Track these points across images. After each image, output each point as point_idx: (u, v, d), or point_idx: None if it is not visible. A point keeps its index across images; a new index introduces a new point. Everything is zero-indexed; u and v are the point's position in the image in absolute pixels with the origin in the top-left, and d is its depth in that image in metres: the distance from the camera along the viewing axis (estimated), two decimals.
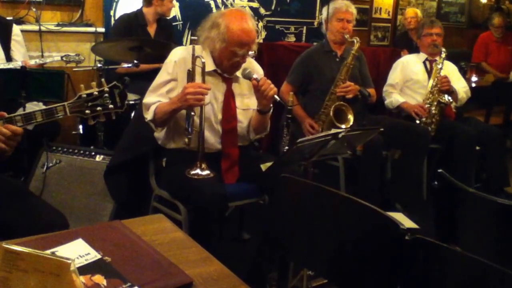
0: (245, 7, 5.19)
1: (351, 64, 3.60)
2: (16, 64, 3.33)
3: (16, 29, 3.56)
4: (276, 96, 2.41)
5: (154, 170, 2.66)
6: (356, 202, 1.40)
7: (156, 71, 2.65)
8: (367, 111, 3.91)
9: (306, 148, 2.31)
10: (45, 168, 2.87)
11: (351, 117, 3.49)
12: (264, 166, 2.50)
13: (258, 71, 2.64)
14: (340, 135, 2.30)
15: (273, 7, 5.39)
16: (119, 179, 2.71)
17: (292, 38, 5.62)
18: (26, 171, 2.99)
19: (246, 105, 2.61)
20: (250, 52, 2.47)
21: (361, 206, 1.38)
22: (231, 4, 5.11)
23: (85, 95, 1.91)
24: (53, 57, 3.56)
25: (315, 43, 4.24)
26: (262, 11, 5.33)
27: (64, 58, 3.52)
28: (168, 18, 4.28)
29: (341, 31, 3.71)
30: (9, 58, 3.46)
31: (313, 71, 3.74)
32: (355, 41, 3.64)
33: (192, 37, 2.45)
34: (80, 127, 3.50)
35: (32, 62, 3.32)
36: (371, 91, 3.84)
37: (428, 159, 3.84)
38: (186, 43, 4.83)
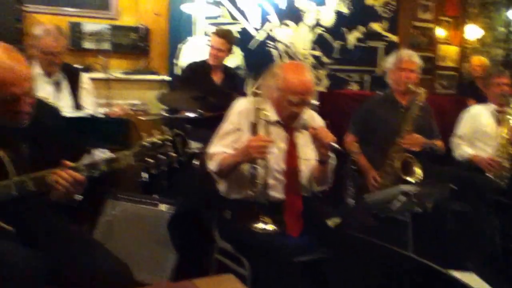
0: (307, 55, 5.22)
1: (416, 114, 3.49)
2: (85, 112, 3.46)
3: (84, 77, 3.69)
4: (333, 144, 2.38)
5: (217, 222, 2.62)
6: (424, 264, 1.32)
7: (219, 119, 2.66)
8: (434, 162, 3.77)
9: (373, 203, 2.24)
10: (109, 216, 2.90)
11: (417, 170, 3.36)
12: (330, 222, 2.42)
13: (318, 123, 2.65)
14: (409, 192, 2.21)
15: (335, 55, 5.39)
16: (182, 229, 2.70)
17: (355, 87, 5.57)
18: (90, 218, 3.03)
19: (309, 155, 2.60)
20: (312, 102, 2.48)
21: (430, 269, 1.30)
22: (293, 53, 5.16)
23: (148, 144, 1.91)
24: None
25: (378, 92, 4.18)
26: (325, 59, 5.34)
27: (133, 108, 3.61)
28: (230, 66, 4.35)
29: (404, 81, 3.63)
30: (77, 106, 3.59)
31: (377, 121, 3.66)
32: (420, 91, 3.54)
33: (255, 90, 2.49)
34: (144, 174, 3.54)
35: (116, 109, 3.45)
36: (438, 142, 3.71)
37: (501, 215, 3.62)
38: (249, 92, 4.89)
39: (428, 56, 6.05)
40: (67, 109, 3.39)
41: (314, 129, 2.40)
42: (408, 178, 3.29)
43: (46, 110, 2.05)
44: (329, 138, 2.39)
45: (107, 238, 2.85)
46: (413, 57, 3.71)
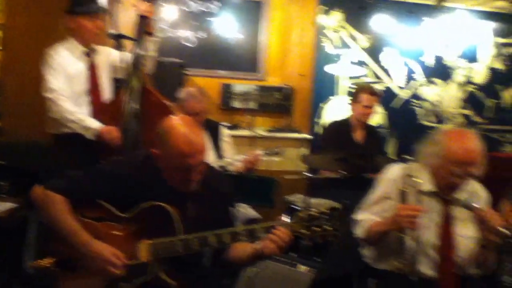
0: (456, 114, 4.98)
1: None
2: (231, 168, 3.59)
3: (223, 130, 3.86)
4: (503, 230, 2.11)
5: None
6: None
7: (360, 180, 2.57)
8: None
9: None
10: (250, 272, 2.92)
11: None
12: None
13: (483, 198, 2.42)
14: None
15: (488, 114, 5.06)
16: None
17: (509, 148, 5.15)
18: (232, 272, 3.09)
19: (467, 232, 2.36)
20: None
21: None
22: (441, 112, 4.96)
23: (304, 215, 1.93)
24: None
25: None
26: (476, 118, 5.04)
27: (267, 152, 3.68)
28: (372, 125, 4.29)
29: None
30: (220, 157, 3.74)
31: None
32: None
33: (405, 156, 2.36)
34: None
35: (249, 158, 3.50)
36: None
37: None
38: (390, 151, 4.77)
39: None
40: (211, 162, 3.57)
41: (480, 212, 2.16)
42: None
43: (214, 175, 2.16)
44: (498, 222, 2.13)
45: None
46: None
